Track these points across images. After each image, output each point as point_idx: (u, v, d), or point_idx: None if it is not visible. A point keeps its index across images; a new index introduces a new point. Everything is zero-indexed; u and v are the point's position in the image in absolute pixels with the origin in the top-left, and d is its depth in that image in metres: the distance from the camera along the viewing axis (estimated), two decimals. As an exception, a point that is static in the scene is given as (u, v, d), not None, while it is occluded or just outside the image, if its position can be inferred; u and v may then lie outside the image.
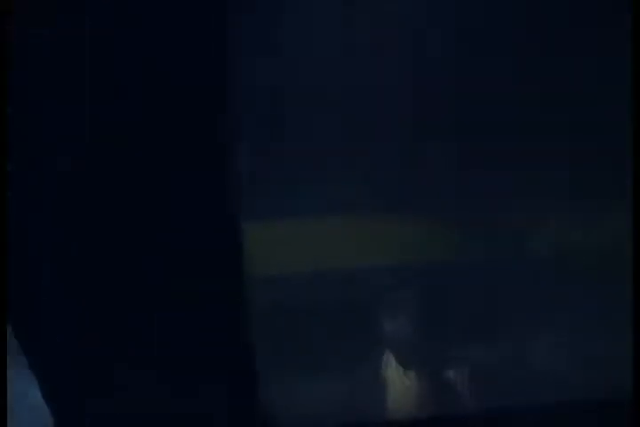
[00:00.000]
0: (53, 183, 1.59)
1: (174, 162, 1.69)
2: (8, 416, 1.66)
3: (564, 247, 3.15)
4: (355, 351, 2.85)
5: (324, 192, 2.98)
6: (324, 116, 2.94)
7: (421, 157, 3.10)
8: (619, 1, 2.72)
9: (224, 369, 1.79)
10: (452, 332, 2.79)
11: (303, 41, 2.90)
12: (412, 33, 3.03)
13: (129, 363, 1.73)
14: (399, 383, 2.79)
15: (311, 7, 2.94)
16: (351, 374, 2.91)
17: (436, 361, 2.78)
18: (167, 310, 1.73)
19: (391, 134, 3.08)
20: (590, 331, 2.92)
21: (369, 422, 2.65)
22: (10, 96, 1.51)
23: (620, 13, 2.53)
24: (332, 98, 2.95)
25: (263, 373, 2.51)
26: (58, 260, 1.64)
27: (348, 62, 2.94)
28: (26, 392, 1.76)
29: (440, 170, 3.11)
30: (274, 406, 2.55)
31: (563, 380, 2.77)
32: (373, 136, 3.04)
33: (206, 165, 1.70)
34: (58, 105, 1.56)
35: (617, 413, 1.99)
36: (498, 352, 2.95)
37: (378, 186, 3.05)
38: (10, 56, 1.49)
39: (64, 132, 1.58)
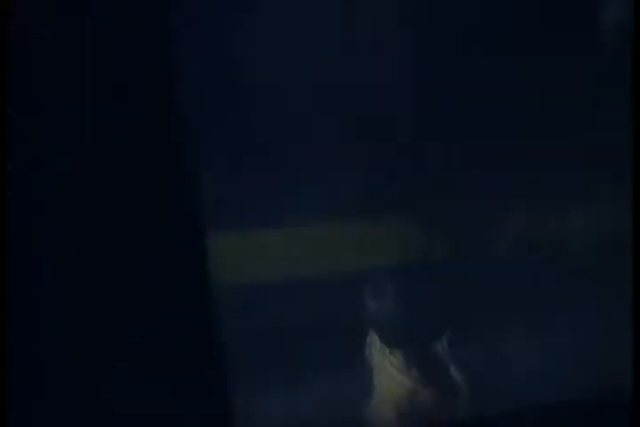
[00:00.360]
0: (53, 183, 1.59)
1: (170, 162, 1.69)
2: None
3: (563, 247, 3.15)
4: (343, 356, 2.85)
5: (306, 197, 2.97)
6: (306, 120, 2.93)
7: (409, 159, 3.10)
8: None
9: (203, 375, 1.78)
10: (448, 333, 2.79)
11: (287, 42, 2.89)
12: (405, 32, 3.02)
13: (124, 363, 1.72)
14: (389, 383, 2.79)
15: (310, 8, 2.94)
16: (338, 378, 2.92)
17: (430, 362, 2.77)
18: (159, 311, 1.72)
19: (377, 137, 3.07)
20: (590, 331, 2.92)
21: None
22: (10, 96, 1.51)
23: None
24: (321, 99, 2.94)
25: (245, 379, 2.51)
26: (58, 260, 1.64)
27: (333, 63, 2.93)
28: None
29: (431, 171, 3.11)
30: (255, 414, 2.56)
31: (562, 380, 2.77)
32: (361, 139, 3.03)
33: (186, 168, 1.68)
34: (58, 105, 1.56)
35: (617, 413, 1.99)
36: (495, 352, 2.96)
37: (362, 190, 3.05)
38: (10, 56, 1.49)
39: (64, 132, 1.58)
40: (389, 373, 2.73)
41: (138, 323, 1.71)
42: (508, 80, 3.05)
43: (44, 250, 1.63)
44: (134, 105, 1.63)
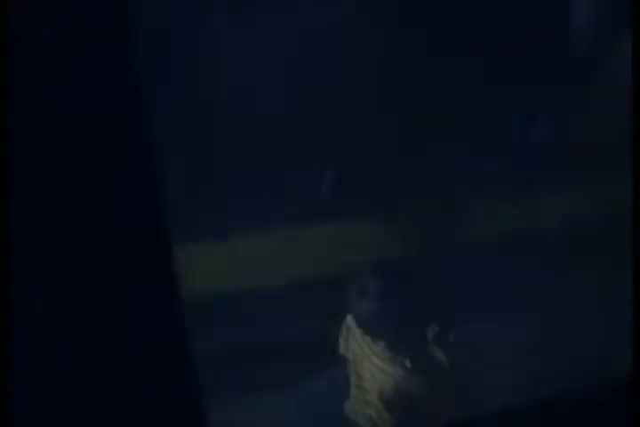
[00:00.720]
0: (53, 183, 1.59)
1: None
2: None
3: (563, 241, 3.17)
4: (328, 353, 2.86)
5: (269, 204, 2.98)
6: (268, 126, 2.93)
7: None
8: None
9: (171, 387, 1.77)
10: (435, 324, 2.79)
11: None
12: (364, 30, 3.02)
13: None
14: (375, 373, 2.79)
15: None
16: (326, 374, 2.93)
17: (416, 352, 2.77)
18: (157, 310, 1.72)
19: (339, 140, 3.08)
20: (589, 326, 2.93)
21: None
22: (10, 96, 1.51)
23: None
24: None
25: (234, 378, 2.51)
26: (58, 260, 1.64)
27: (302, 65, 2.93)
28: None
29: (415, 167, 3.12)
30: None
31: (557, 377, 2.78)
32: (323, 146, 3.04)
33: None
34: (58, 105, 1.56)
35: (616, 409, 1.99)
36: (491, 348, 2.96)
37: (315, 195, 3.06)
38: (10, 56, 1.49)
39: (64, 132, 1.58)
40: (374, 363, 2.74)
41: (136, 323, 1.71)
42: (499, 80, 3.06)
43: (43, 250, 1.63)
44: (133, 105, 1.63)
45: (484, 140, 3.10)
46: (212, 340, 2.64)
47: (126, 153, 1.61)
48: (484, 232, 3.22)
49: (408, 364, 2.71)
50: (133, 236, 1.65)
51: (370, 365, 2.74)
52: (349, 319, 2.79)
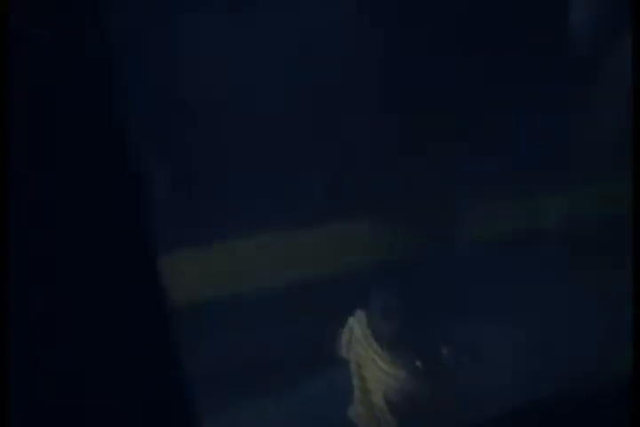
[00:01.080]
0: (54, 184, 1.59)
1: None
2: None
3: (563, 241, 3.17)
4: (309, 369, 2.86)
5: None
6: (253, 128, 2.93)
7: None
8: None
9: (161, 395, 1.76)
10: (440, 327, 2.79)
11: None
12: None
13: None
14: (378, 375, 2.78)
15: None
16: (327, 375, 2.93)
17: (421, 353, 2.77)
18: (156, 309, 1.72)
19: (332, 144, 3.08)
20: (589, 326, 2.93)
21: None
22: (10, 96, 1.51)
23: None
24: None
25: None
26: (58, 260, 1.64)
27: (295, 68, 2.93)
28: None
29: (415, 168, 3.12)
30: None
31: (560, 376, 2.78)
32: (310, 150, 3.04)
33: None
34: (57, 105, 1.56)
35: (616, 409, 1.99)
36: (491, 348, 2.96)
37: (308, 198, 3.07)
38: (10, 56, 1.49)
39: (64, 132, 1.57)
40: (378, 365, 2.74)
41: (134, 324, 1.71)
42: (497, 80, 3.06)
43: (43, 250, 1.63)
44: (134, 105, 1.63)
45: (484, 140, 3.10)
46: (211, 341, 2.63)
47: (126, 153, 1.60)
48: (484, 232, 3.22)
49: (411, 365, 2.71)
50: (132, 237, 1.65)
51: (374, 366, 2.74)
52: (352, 321, 2.79)
